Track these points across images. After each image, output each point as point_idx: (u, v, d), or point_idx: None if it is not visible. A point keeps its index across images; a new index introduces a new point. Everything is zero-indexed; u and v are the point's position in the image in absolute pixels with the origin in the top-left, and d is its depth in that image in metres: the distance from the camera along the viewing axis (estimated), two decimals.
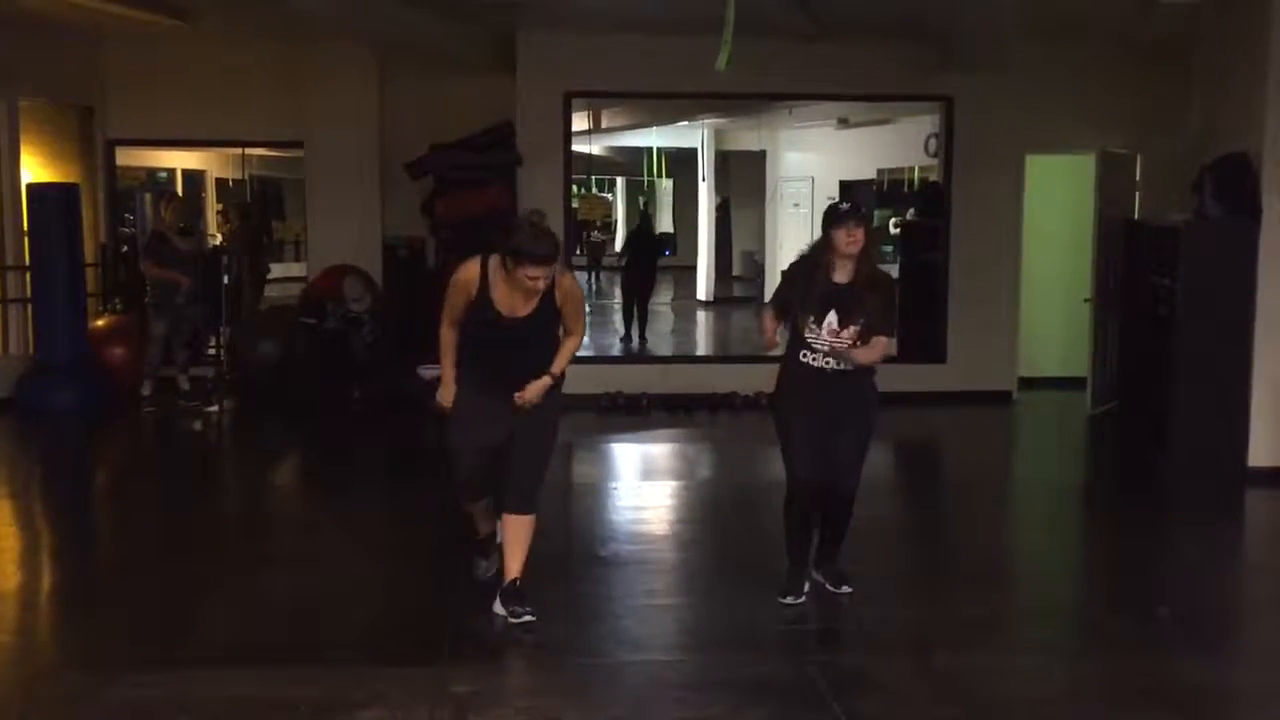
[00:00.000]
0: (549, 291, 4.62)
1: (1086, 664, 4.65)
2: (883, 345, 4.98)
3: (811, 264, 5.00)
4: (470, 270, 4.65)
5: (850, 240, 4.85)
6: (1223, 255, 7.46)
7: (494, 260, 4.62)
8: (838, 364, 4.94)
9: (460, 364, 4.80)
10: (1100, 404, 9.53)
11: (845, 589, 5.19)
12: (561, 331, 4.78)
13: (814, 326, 4.93)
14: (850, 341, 4.90)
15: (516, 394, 4.69)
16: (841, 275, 4.93)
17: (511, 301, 4.63)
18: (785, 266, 5.26)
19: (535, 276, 4.50)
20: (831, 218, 4.95)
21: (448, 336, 4.80)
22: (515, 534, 4.83)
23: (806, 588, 5.15)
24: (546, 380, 4.70)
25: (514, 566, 4.84)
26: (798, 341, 5.01)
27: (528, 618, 4.78)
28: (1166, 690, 4.34)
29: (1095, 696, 4.35)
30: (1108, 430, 9.31)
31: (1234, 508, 7.14)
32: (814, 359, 4.97)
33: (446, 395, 4.84)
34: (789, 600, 5.09)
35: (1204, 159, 7.83)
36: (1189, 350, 7.49)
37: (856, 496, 5.14)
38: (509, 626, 4.77)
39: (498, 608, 4.86)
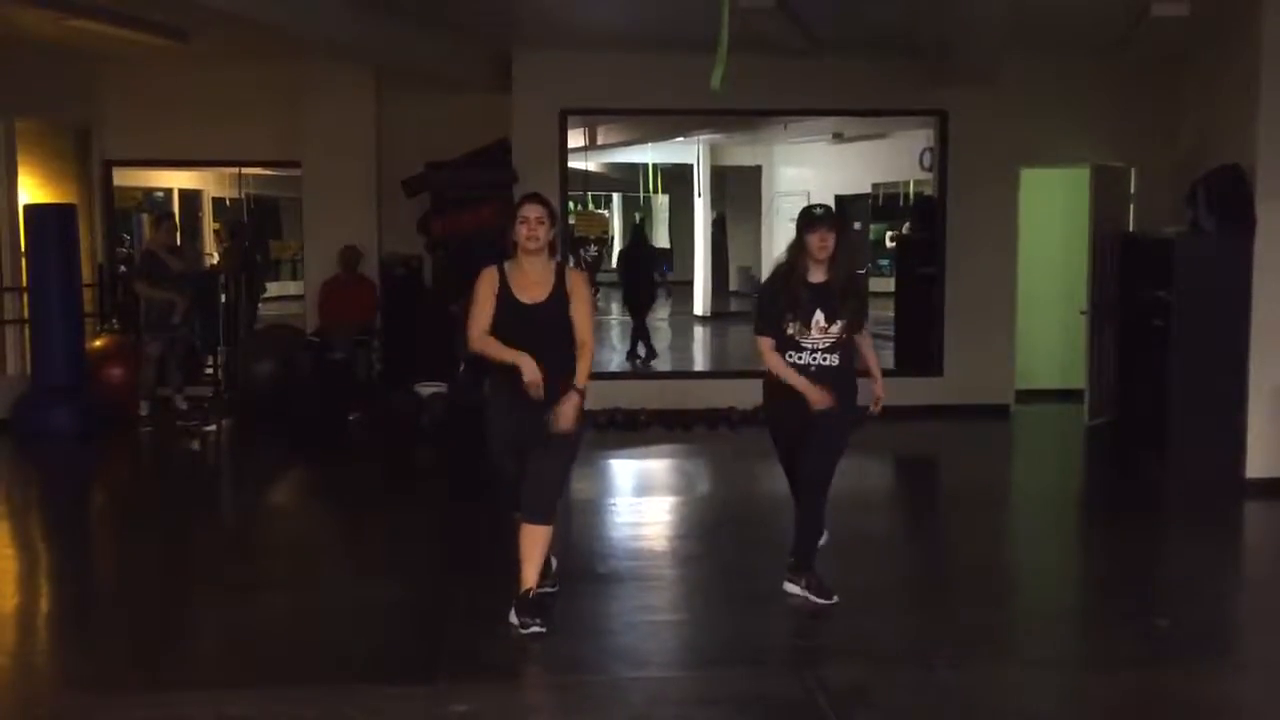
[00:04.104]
0: (560, 280, 4.87)
1: (1087, 676, 4.65)
2: (869, 340, 5.35)
3: (787, 270, 5.16)
4: (489, 273, 4.90)
5: (822, 245, 5.04)
6: (1217, 267, 7.48)
7: (507, 264, 4.90)
8: (824, 359, 5.09)
9: (489, 373, 4.91)
10: (1097, 416, 9.54)
11: (834, 599, 5.16)
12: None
13: (803, 329, 5.08)
14: (839, 337, 5.09)
15: (553, 413, 4.72)
16: (818, 275, 5.10)
17: (528, 287, 4.83)
18: (759, 294, 5.48)
19: (529, 217, 4.80)
20: (804, 221, 5.11)
21: (485, 336, 4.79)
22: (531, 543, 4.84)
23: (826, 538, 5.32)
24: (576, 398, 4.79)
25: (529, 576, 4.86)
26: (784, 345, 5.14)
27: (535, 629, 4.79)
28: (1166, 702, 4.34)
29: (1096, 709, 4.35)
30: (1105, 442, 9.31)
31: (1232, 519, 7.14)
32: (801, 358, 5.12)
33: (529, 368, 4.68)
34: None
35: (1197, 171, 7.86)
36: (1185, 362, 7.51)
37: (829, 483, 5.21)
38: (509, 643, 4.76)
39: (512, 617, 4.87)
